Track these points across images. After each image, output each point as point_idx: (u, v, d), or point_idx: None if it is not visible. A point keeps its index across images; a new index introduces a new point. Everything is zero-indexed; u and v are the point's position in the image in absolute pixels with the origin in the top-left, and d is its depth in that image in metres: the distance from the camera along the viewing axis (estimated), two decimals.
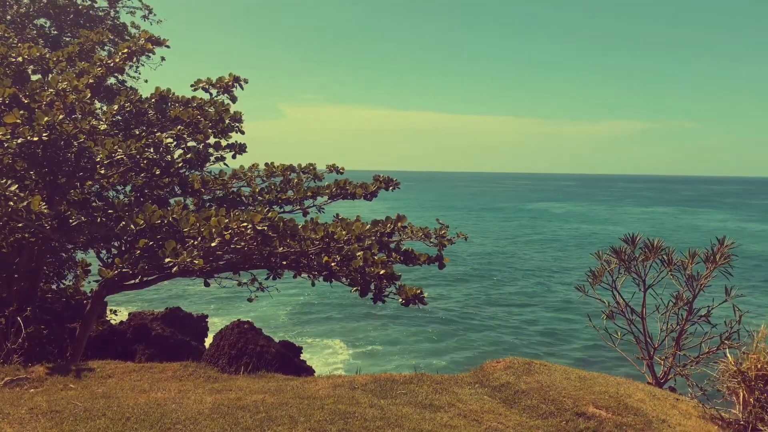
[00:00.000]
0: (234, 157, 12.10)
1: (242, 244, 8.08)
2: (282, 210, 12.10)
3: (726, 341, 10.06)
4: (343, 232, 8.88)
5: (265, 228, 7.93)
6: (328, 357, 29.81)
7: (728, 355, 9.06)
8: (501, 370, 9.28)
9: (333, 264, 8.99)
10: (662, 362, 10.91)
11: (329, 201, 12.35)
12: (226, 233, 7.85)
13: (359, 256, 8.75)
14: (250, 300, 12.10)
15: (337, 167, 12.86)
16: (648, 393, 9.06)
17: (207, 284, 9.97)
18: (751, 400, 8.42)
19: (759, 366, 8.50)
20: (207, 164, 11.91)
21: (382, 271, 8.75)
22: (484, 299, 43.34)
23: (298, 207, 12.28)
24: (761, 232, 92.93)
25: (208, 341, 20.91)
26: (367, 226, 9.46)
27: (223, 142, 11.88)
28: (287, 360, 18.04)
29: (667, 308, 11.00)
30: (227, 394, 7.63)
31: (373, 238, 9.52)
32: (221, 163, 12.05)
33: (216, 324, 26.55)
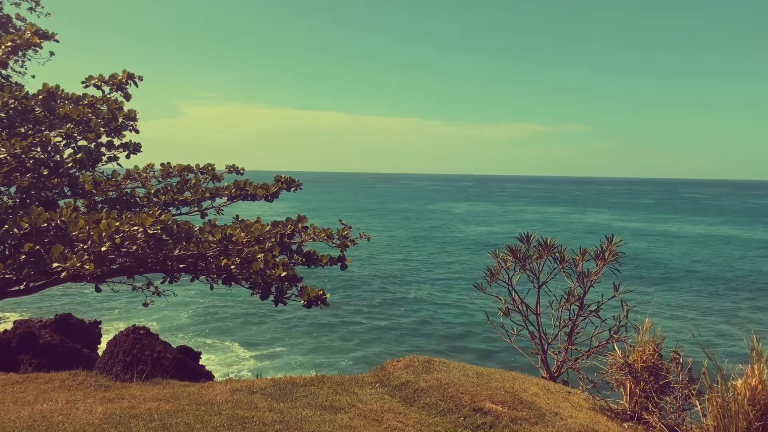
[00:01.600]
0: (128, 157, 11.63)
1: (134, 248, 7.79)
2: (179, 212, 11.75)
3: (614, 335, 10.55)
4: (242, 234, 8.72)
5: (158, 231, 7.67)
6: (229, 361, 29.22)
7: (616, 348, 9.54)
8: (401, 369, 9.39)
9: (232, 267, 8.81)
10: (555, 356, 11.34)
11: (228, 202, 12.09)
12: (116, 237, 7.53)
13: (260, 258, 8.61)
14: (145, 305, 11.69)
15: (237, 168, 12.61)
16: (542, 387, 9.40)
17: (98, 290, 9.55)
18: (637, 390, 8.90)
19: (644, 358, 9.00)
20: (99, 164, 11.38)
21: (283, 273, 8.64)
22: (385, 299, 43.67)
23: (196, 208, 11.95)
24: (643, 229, 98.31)
25: (102, 348, 20.06)
26: (267, 228, 9.32)
27: (117, 142, 11.39)
28: (185, 365, 17.53)
29: (559, 304, 11.43)
30: (120, 402, 7.35)
31: (274, 239, 9.39)
32: (114, 163, 11.56)
33: (119, 328, 25.51)
